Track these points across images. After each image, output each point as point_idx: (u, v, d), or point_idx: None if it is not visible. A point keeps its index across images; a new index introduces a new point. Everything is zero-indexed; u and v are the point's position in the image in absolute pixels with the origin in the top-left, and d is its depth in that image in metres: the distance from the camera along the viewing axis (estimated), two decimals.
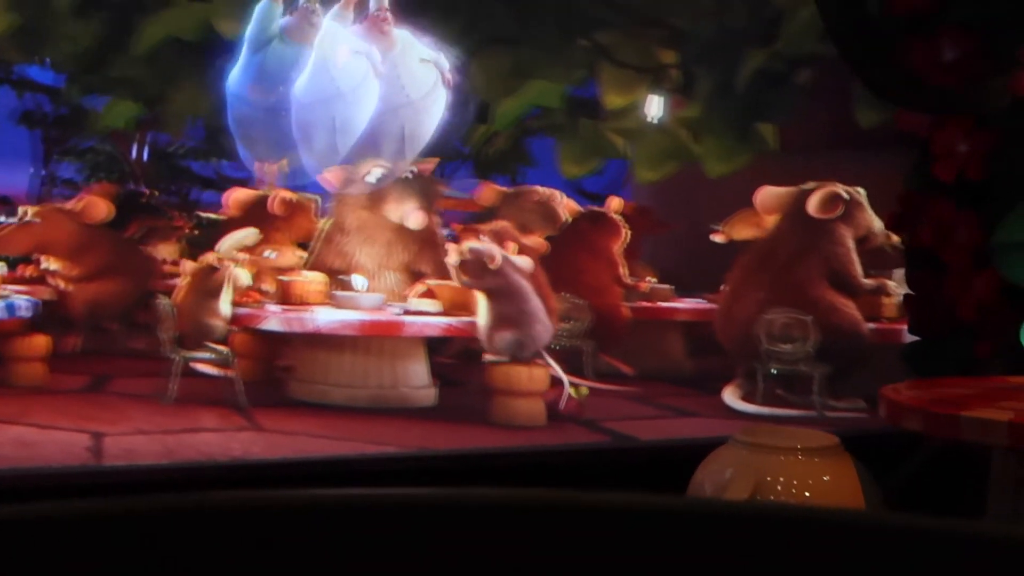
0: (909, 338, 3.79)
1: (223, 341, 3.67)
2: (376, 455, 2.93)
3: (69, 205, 5.16)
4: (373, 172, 4.01)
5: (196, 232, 6.59)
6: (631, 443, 3.12)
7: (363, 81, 3.82)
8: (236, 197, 4.78)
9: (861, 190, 3.73)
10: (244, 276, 3.75)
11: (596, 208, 4.60)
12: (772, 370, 3.58)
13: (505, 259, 3.41)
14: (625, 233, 4.40)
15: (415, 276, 4.11)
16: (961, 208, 3.06)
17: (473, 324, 3.43)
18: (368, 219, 4.07)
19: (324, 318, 3.48)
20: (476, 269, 3.44)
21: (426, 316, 3.52)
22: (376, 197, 4.01)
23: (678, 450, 3.11)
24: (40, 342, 4.09)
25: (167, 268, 6.29)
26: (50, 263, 5.13)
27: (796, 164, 5.50)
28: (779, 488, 2.08)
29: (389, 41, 4.00)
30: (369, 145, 3.90)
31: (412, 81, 3.96)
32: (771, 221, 4.46)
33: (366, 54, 3.82)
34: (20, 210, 5.21)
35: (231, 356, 3.63)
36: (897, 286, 3.77)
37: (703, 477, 2.31)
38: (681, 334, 4.81)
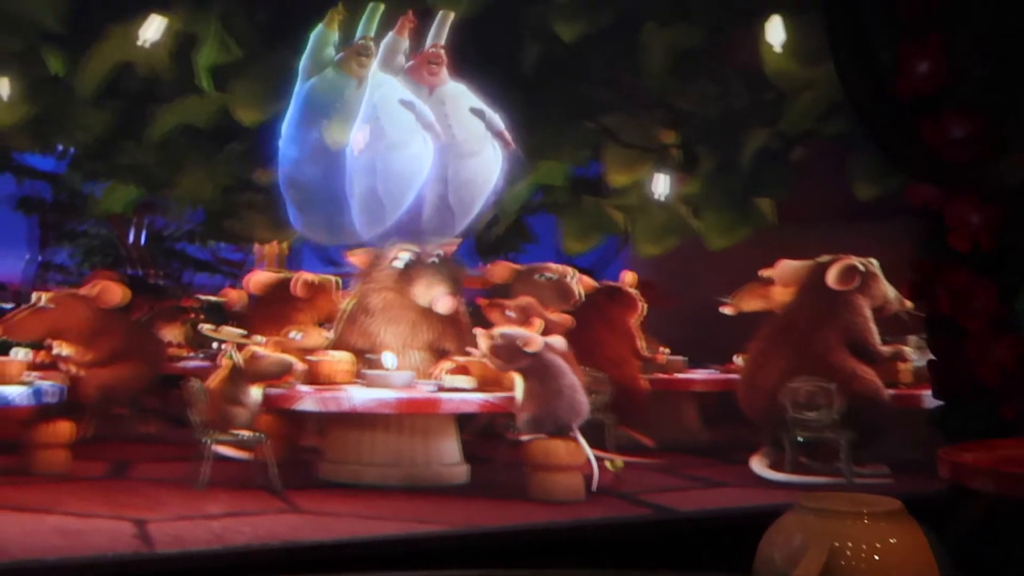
0: (928, 403, 3.91)
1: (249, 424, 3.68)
2: (423, 534, 2.92)
3: (83, 290, 5.15)
4: (401, 256, 4.09)
5: (200, 315, 6.60)
6: (674, 515, 3.14)
7: (411, 135, 3.87)
8: (257, 279, 4.82)
9: (875, 261, 3.87)
10: (287, 361, 3.75)
11: (612, 283, 4.70)
12: (799, 438, 3.65)
13: (546, 342, 3.48)
14: (641, 307, 4.49)
15: (440, 354, 4.14)
16: (978, 276, 3.19)
17: (509, 400, 3.47)
18: (394, 300, 4.11)
19: (360, 397, 3.50)
20: (508, 353, 3.49)
21: (462, 393, 3.55)
22: (404, 279, 4.08)
23: (721, 520, 3.14)
24: (64, 428, 4.04)
25: (172, 351, 6.30)
26: (62, 348, 5.09)
27: (791, 236, 5.70)
28: (851, 554, 2.11)
29: (438, 81, 4.06)
30: (416, 209, 3.96)
31: (463, 134, 4.04)
32: (779, 293, 4.60)
33: (414, 106, 3.88)
34: (33, 296, 5.19)
35: (264, 438, 3.62)
36: (913, 352, 3.89)
37: (771, 547, 2.32)
38: (696, 404, 4.87)
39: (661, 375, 4.60)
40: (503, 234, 6.34)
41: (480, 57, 4.45)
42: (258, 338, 3.73)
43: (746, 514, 3.32)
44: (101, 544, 2.78)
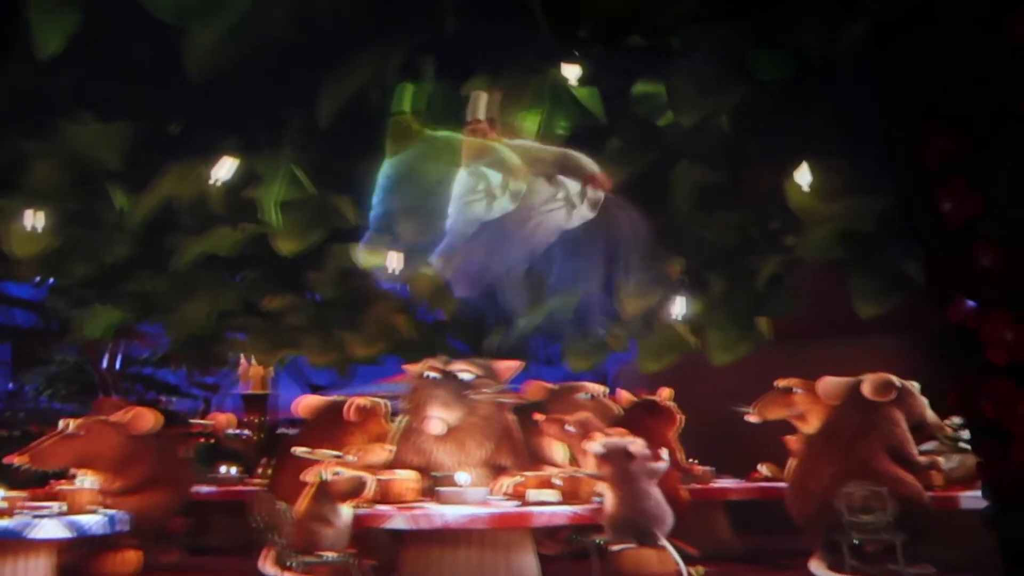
0: (965, 503, 4.22)
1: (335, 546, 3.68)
2: None
3: (115, 416, 5.06)
4: (463, 373, 4.26)
5: (209, 440, 6.49)
6: None
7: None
8: (307, 403, 4.83)
9: (915, 384, 4.24)
10: (364, 478, 3.79)
11: (651, 398, 4.94)
12: (855, 540, 3.88)
13: (622, 446, 3.67)
14: (680, 419, 4.73)
15: (497, 470, 4.25)
16: (1018, 385, 3.56)
17: (597, 511, 3.61)
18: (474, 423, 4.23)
19: (452, 513, 3.57)
20: (616, 459, 3.65)
21: (550, 506, 3.67)
22: (414, 399, 4.23)
23: None
24: (132, 557, 3.94)
25: None
26: (87, 477, 4.94)
27: (785, 352, 6.12)
28: None
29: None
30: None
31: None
32: (802, 400, 4.91)
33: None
34: (60, 423, 5.06)
35: (353, 560, 3.62)
36: (945, 462, 4.22)
37: None
38: (725, 513, 5.05)
39: (698, 485, 4.78)
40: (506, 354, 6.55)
41: None
42: (350, 458, 3.78)
43: None
44: None
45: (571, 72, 3.94)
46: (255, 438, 7.90)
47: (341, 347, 7.11)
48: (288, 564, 3.61)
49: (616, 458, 3.73)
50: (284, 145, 4.46)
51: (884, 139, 3.77)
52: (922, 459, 4.10)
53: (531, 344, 7.31)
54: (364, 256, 5.81)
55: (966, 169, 3.69)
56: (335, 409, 4.72)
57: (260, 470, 6.33)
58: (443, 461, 4.16)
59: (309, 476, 3.66)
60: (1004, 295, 3.65)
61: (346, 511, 3.78)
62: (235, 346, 7.66)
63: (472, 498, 3.77)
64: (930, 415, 4.20)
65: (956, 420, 4.36)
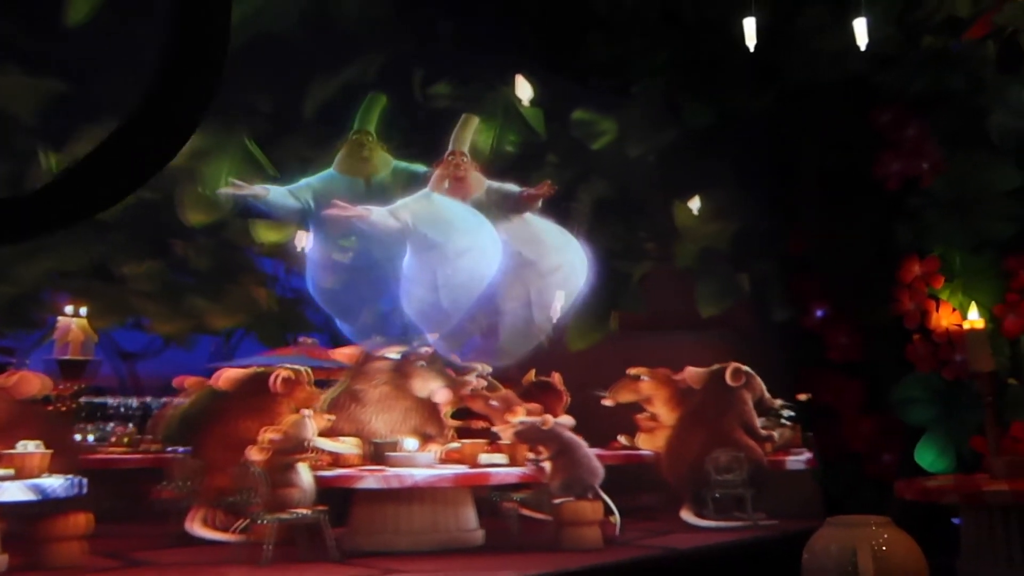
0: (790, 466, 5.48)
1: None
2: None
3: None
4: (397, 354, 4.81)
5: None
6: (677, 552, 4.25)
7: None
8: (228, 376, 5.03)
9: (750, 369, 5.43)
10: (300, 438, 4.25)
11: (545, 379, 5.74)
12: (716, 494, 5.00)
13: (556, 423, 4.48)
14: (566, 398, 5.60)
15: (425, 438, 4.86)
16: (848, 378, 4.83)
17: (541, 470, 4.36)
18: (390, 392, 4.78)
19: (421, 474, 4.15)
20: (532, 435, 4.44)
21: (504, 468, 4.36)
22: (399, 374, 4.78)
23: (703, 553, 4.32)
24: (82, 520, 4.03)
25: None
26: (30, 442, 4.83)
27: (628, 343, 7.22)
28: (879, 551, 3.38)
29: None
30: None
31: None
32: (646, 387, 5.97)
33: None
34: None
35: (323, 515, 4.08)
36: (778, 435, 5.47)
37: (819, 552, 3.50)
38: None
39: None
40: None
41: None
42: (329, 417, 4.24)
43: (712, 549, 4.55)
44: None
45: (524, 92, 4.62)
46: (71, 405, 7.67)
47: (193, 316, 7.19)
48: (262, 521, 4.01)
49: (533, 433, 4.53)
50: (237, 125, 4.69)
51: (765, 183, 4.88)
52: (763, 432, 5.32)
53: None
54: (263, 232, 6.08)
55: (822, 217, 4.91)
56: (258, 380, 5.03)
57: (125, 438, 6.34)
58: (378, 429, 4.70)
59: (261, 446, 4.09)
60: (842, 312, 4.92)
61: (307, 474, 4.24)
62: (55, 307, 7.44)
63: (421, 462, 4.37)
64: (766, 396, 5.43)
65: (780, 401, 5.65)
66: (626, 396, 6.01)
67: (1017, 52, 4.63)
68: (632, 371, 6.04)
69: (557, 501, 4.30)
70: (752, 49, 3.53)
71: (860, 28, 3.72)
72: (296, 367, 5.12)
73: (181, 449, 5.28)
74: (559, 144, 4.96)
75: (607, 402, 5.96)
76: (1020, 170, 4.59)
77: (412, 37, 4.33)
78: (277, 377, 4.95)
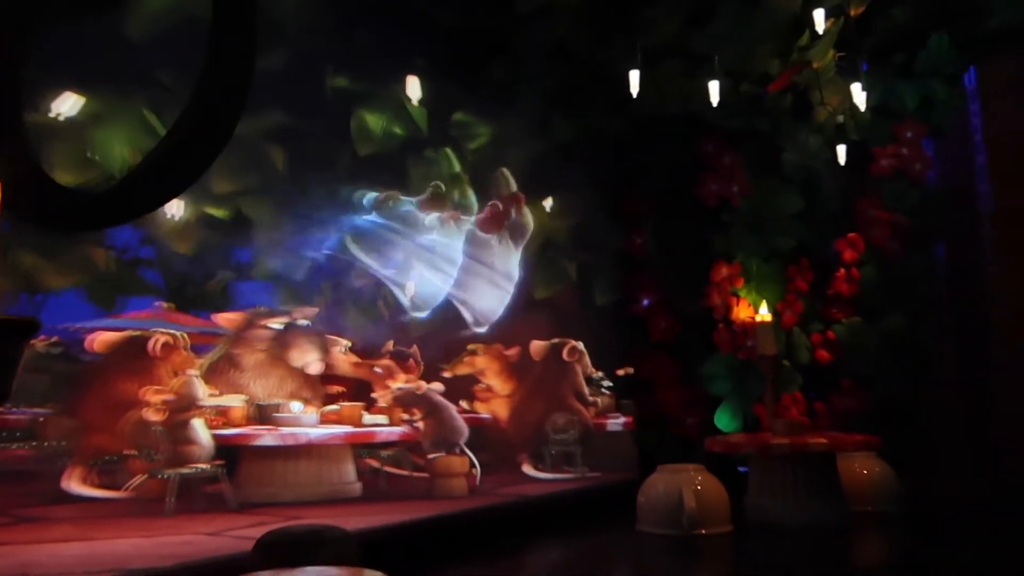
0: (611, 427, 6.55)
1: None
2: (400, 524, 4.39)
3: None
4: (278, 323, 5.31)
5: None
6: (528, 498, 5.11)
7: None
8: (103, 339, 5.23)
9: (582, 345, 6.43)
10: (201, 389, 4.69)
11: (403, 349, 6.39)
12: (553, 451, 5.96)
13: (428, 389, 5.21)
14: (420, 368, 6.32)
15: (304, 402, 5.41)
16: (665, 355, 5.94)
17: (416, 430, 5.06)
18: (266, 360, 5.28)
19: (316, 432, 4.72)
20: (408, 398, 5.15)
21: (385, 427, 5.01)
22: (277, 343, 5.29)
23: (545, 500, 5.23)
24: None
25: None
26: None
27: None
28: (697, 490, 4.39)
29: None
30: None
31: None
32: (480, 362, 6.84)
33: None
34: None
35: (221, 469, 4.55)
36: (600, 402, 6.53)
37: (652, 493, 4.48)
38: None
39: None
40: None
41: None
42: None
43: (558, 493, 5.47)
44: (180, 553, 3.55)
45: (413, 92, 5.26)
46: None
47: (25, 276, 7.11)
48: (165, 476, 4.42)
49: (408, 397, 5.26)
50: (136, 94, 4.91)
51: (606, 191, 5.86)
52: (591, 399, 6.35)
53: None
54: None
55: (654, 224, 5.97)
56: (135, 344, 5.29)
57: None
58: (256, 393, 5.20)
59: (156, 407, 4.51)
60: (664, 303, 6.03)
61: (205, 431, 4.68)
62: None
63: (307, 422, 4.95)
64: (591, 369, 6.48)
65: (600, 373, 6.73)
66: (463, 369, 6.83)
67: (807, 104, 5.93)
68: (470, 346, 6.88)
69: (431, 456, 5.05)
70: (634, 95, 4.45)
71: (714, 89, 4.76)
72: (173, 332, 5.46)
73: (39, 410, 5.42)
74: (438, 141, 5.65)
75: (446, 374, 6.76)
76: (802, 198, 5.90)
77: (325, 35, 4.83)
78: (157, 342, 5.27)
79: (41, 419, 5.24)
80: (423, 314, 7.38)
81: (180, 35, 4.59)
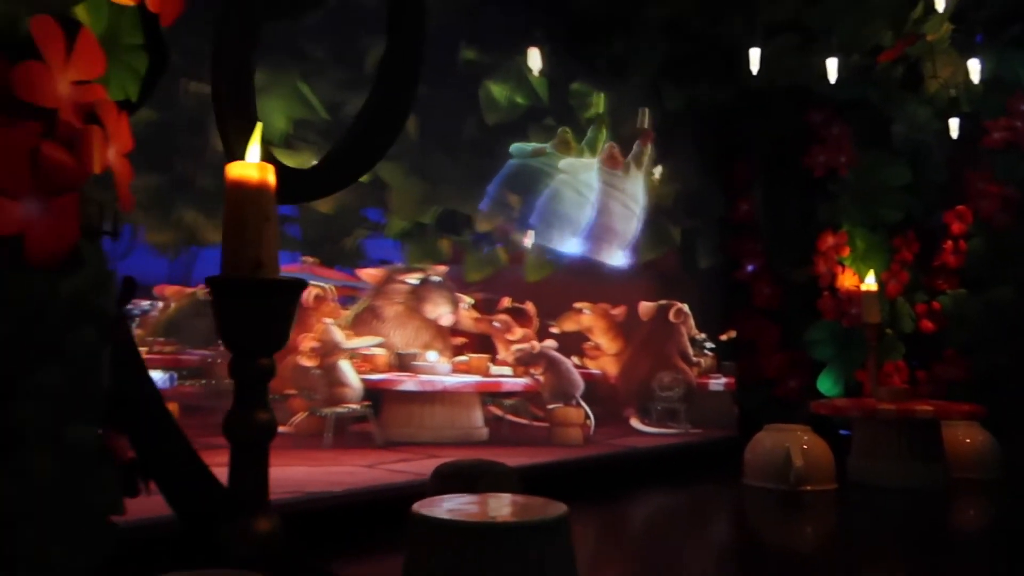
0: (712, 387, 6.78)
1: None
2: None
3: None
4: (413, 277, 5.68)
5: None
6: (633, 449, 5.42)
7: None
8: None
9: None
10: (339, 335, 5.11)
11: (519, 305, 6.73)
12: (659, 406, 6.23)
13: (543, 347, 5.52)
14: (537, 323, 6.64)
15: (437, 352, 5.80)
16: (768, 321, 6.09)
17: (537, 383, 5.41)
18: (403, 312, 5.67)
19: (450, 380, 5.11)
20: (527, 358, 5.47)
21: (511, 379, 5.38)
22: (413, 296, 5.67)
23: (660, 450, 5.51)
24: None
25: None
26: None
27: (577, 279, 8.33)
28: (804, 448, 4.60)
29: None
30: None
31: None
32: (586, 319, 7.10)
33: None
34: None
35: (369, 409, 4.98)
36: (703, 362, 6.74)
37: (759, 450, 4.71)
38: None
39: None
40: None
41: None
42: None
43: (660, 449, 5.76)
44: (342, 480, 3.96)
45: (534, 63, 5.49)
46: None
47: (187, 230, 7.68)
48: (320, 415, 4.87)
49: (527, 356, 5.58)
50: (290, 67, 5.29)
51: (713, 159, 6.00)
52: (696, 360, 6.58)
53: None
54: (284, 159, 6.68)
55: (761, 194, 6.08)
56: None
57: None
58: (395, 343, 5.60)
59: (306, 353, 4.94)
60: (768, 269, 6.15)
61: (354, 375, 5.10)
62: None
63: (441, 370, 5.33)
64: (695, 331, 6.69)
65: (703, 335, 6.92)
66: (569, 326, 7.12)
67: (917, 76, 5.91)
68: (577, 305, 7.15)
69: (549, 407, 5.39)
70: (754, 73, 4.57)
71: (832, 66, 4.83)
72: (323, 284, 5.89)
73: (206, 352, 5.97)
74: (557, 110, 5.89)
75: (553, 330, 7.06)
76: (910, 170, 5.91)
77: (457, 11, 5.09)
78: (310, 293, 5.71)
79: (209, 360, 5.76)
80: (544, 271, 7.69)
81: (327, 12, 4.92)
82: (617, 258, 6.33)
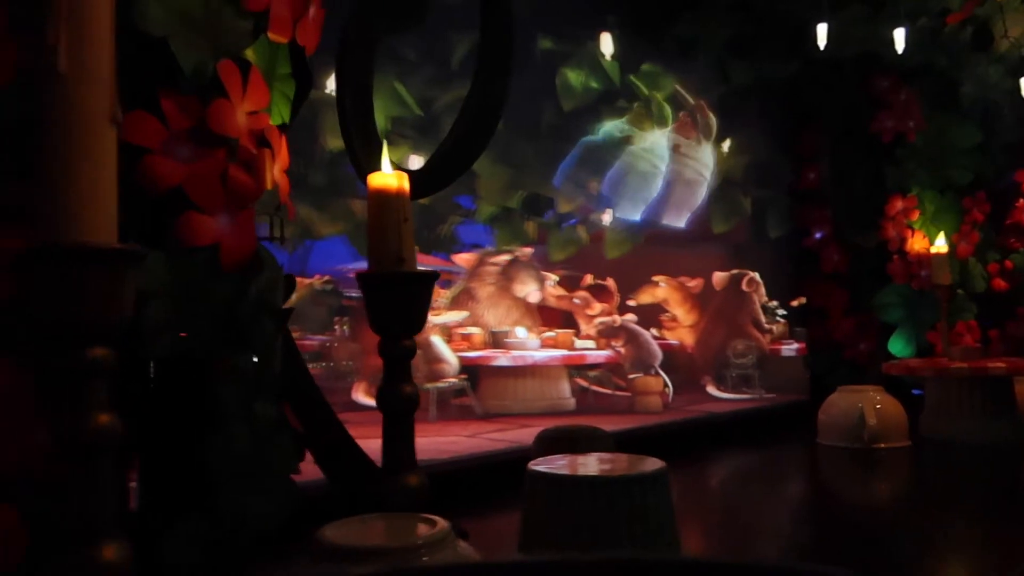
0: (784, 352, 6.87)
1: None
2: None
3: None
4: (502, 257, 5.92)
5: None
6: (710, 414, 5.58)
7: None
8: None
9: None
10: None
11: (600, 282, 6.93)
12: (734, 373, 6.37)
13: (623, 320, 5.72)
14: (617, 298, 6.83)
15: (527, 328, 6.05)
16: (837, 286, 6.15)
17: (619, 354, 5.62)
18: (495, 292, 5.93)
19: (539, 355, 5.36)
20: (608, 332, 5.66)
21: (591, 351, 5.61)
22: (503, 276, 5.92)
23: (736, 415, 5.65)
24: None
25: None
26: None
27: (655, 254, 8.46)
28: (877, 408, 4.70)
29: None
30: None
31: None
32: (662, 292, 7.24)
33: None
34: None
35: (467, 383, 5.26)
36: (775, 329, 6.84)
37: (833, 411, 4.82)
38: None
39: None
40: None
41: None
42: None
43: (737, 413, 5.90)
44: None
45: (606, 47, 5.64)
46: None
47: (302, 225, 8.03)
48: (427, 389, 5.17)
49: (609, 329, 5.78)
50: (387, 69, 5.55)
51: (781, 130, 6.05)
52: (768, 327, 6.68)
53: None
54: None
55: (828, 161, 6.11)
56: None
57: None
58: (489, 322, 5.87)
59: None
60: (836, 236, 6.19)
61: (449, 352, 5.39)
62: None
63: (531, 346, 5.58)
64: (766, 298, 6.78)
65: (774, 302, 7.00)
66: (647, 298, 7.27)
67: (988, 36, 5.83)
68: (654, 278, 7.29)
69: (631, 377, 5.59)
70: (821, 48, 4.64)
71: (899, 36, 4.85)
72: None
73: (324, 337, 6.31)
74: (628, 92, 6.03)
75: (631, 303, 7.22)
76: (979, 130, 5.87)
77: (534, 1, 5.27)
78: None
79: (328, 344, 6.10)
80: (624, 248, 7.85)
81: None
82: (684, 222, 6.47)
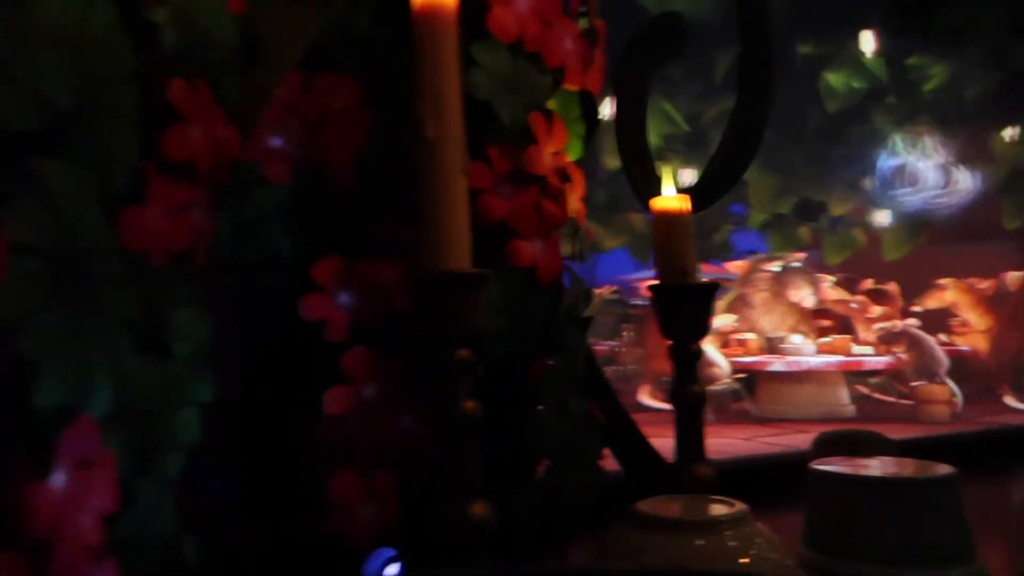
0: None
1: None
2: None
3: None
4: (775, 265, 5.86)
5: None
6: (1005, 426, 5.08)
7: None
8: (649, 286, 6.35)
9: None
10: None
11: (881, 287, 6.62)
12: None
13: (905, 325, 5.40)
14: (900, 303, 6.46)
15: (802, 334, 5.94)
16: None
17: (899, 360, 5.35)
18: (769, 297, 5.88)
19: (814, 360, 5.27)
20: (888, 337, 5.38)
21: (870, 357, 5.41)
22: (776, 282, 5.86)
23: None
24: None
25: None
26: None
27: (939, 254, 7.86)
28: None
29: None
30: None
31: None
32: (949, 295, 6.64)
33: None
34: None
35: (741, 390, 5.30)
36: None
37: None
38: None
39: None
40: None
41: None
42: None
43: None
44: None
45: (867, 46, 5.41)
46: None
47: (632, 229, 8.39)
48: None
49: (889, 335, 5.46)
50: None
51: None
52: None
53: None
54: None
55: None
56: None
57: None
58: (764, 327, 5.83)
59: None
60: None
61: (719, 356, 5.43)
62: None
63: (806, 352, 5.46)
64: None
65: None
66: (932, 303, 6.73)
67: None
68: (939, 281, 6.74)
69: (913, 384, 5.25)
70: None
71: None
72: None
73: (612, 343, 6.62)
74: (897, 87, 5.71)
75: (916, 308, 6.73)
76: None
77: (793, 9, 5.19)
78: None
79: (616, 349, 6.41)
80: (904, 249, 7.38)
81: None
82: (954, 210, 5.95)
